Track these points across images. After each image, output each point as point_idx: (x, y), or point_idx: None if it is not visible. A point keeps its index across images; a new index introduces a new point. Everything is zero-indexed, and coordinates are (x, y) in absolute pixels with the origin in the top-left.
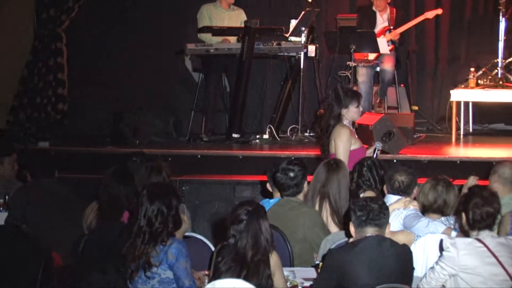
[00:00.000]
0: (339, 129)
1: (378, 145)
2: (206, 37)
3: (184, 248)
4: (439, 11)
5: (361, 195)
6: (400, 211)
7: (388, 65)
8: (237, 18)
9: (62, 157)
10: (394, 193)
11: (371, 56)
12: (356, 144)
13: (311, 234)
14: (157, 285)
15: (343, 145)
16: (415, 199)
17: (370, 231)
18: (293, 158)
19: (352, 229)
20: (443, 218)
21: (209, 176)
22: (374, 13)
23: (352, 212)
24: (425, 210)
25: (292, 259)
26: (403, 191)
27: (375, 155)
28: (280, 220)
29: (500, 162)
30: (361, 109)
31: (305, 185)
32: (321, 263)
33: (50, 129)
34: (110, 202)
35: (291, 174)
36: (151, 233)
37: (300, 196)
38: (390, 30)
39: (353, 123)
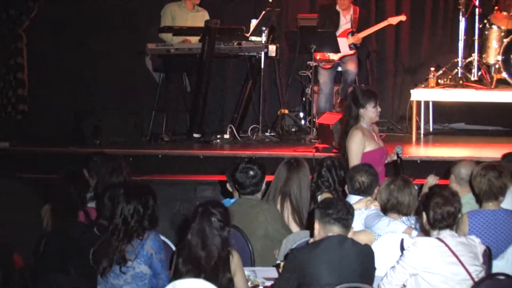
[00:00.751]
0: (352, 131)
1: (399, 148)
2: (167, 37)
3: (160, 241)
4: (402, 18)
5: (318, 197)
6: (361, 211)
7: (351, 66)
8: (201, 19)
9: (22, 157)
10: (355, 194)
11: (334, 56)
12: (371, 146)
13: (272, 230)
14: (130, 280)
15: (355, 147)
16: (376, 199)
17: (335, 230)
18: (250, 157)
19: (316, 226)
20: (404, 218)
21: (170, 176)
22: (338, 12)
23: (321, 209)
24: (383, 209)
25: (253, 259)
26: (364, 191)
27: (399, 160)
28: (240, 219)
29: (456, 162)
30: (379, 109)
31: (263, 184)
32: (282, 263)
33: (10, 129)
34: (63, 203)
35: (251, 173)
36: (126, 231)
37: (258, 195)
38: (353, 33)
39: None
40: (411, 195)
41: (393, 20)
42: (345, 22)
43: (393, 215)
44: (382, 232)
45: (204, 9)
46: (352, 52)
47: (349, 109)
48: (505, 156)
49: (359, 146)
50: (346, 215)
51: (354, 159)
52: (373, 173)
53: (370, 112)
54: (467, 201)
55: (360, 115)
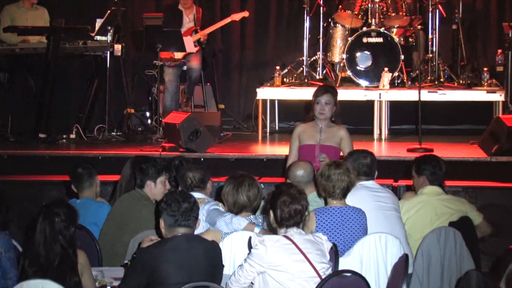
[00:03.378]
0: None
1: (321, 156)
2: (11, 37)
3: (10, 240)
4: (245, 14)
5: None
6: (202, 207)
7: (194, 64)
8: (41, 17)
9: None
10: (189, 190)
11: (178, 55)
12: (305, 141)
13: (145, 227)
14: None
15: (290, 143)
16: (221, 197)
17: (181, 231)
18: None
19: (162, 225)
20: (252, 217)
21: (16, 177)
22: (181, 12)
23: (164, 211)
24: (231, 208)
25: (100, 259)
26: (197, 186)
27: None
28: (124, 209)
29: (289, 166)
30: (318, 108)
31: (150, 183)
32: (130, 262)
33: None
34: None
35: (142, 166)
36: None
37: (146, 191)
38: (196, 31)
39: None
40: (258, 192)
41: (236, 17)
42: (188, 21)
43: (241, 214)
44: (226, 229)
45: (43, 7)
46: (196, 49)
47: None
48: (349, 154)
49: (293, 141)
50: (188, 216)
51: (289, 152)
52: (203, 168)
53: (314, 110)
54: (312, 199)
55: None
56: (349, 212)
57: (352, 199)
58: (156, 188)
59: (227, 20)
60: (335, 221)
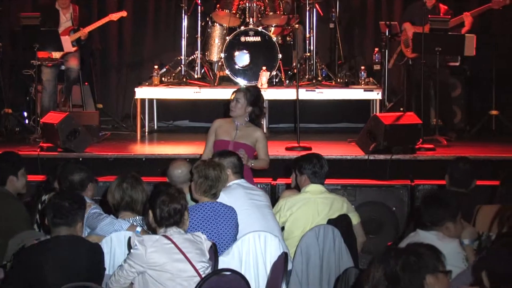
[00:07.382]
0: None
1: (241, 152)
2: None
3: None
4: (124, 14)
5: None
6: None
7: (72, 64)
8: None
9: None
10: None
11: (56, 54)
12: (221, 137)
13: (15, 227)
14: None
15: (207, 136)
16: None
17: (63, 231)
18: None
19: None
20: (138, 217)
21: None
22: (57, 11)
23: (48, 210)
24: (116, 208)
25: None
26: (76, 188)
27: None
28: None
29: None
30: (232, 103)
31: (12, 178)
32: (9, 263)
33: None
34: None
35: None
36: None
37: (9, 187)
38: (74, 30)
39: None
40: (143, 191)
41: (114, 16)
42: (66, 20)
43: (126, 214)
44: (107, 232)
45: None
46: (74, 49)
47: None
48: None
49: (210, 135)
50: (67, 214)
51: (205, 146)
52: (85, 170)
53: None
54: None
55: None
56: (219, 207)
57: (228, 198)
58: (19, 181)
59: (105, 19)
60: (206, 217)
